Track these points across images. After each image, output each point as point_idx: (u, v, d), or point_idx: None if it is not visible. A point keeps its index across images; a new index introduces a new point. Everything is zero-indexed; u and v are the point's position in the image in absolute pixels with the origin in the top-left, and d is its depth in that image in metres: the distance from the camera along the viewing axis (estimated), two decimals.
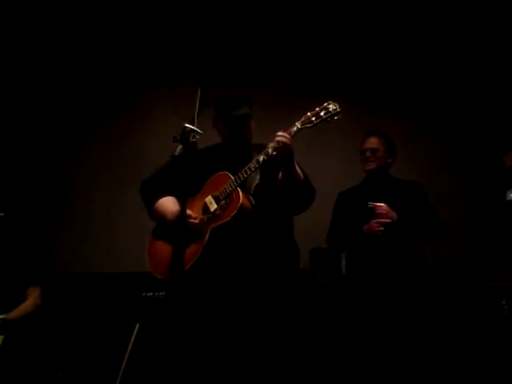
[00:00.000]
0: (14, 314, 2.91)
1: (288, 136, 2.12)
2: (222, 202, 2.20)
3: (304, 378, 3.09)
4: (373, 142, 2.96)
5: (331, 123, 2.13)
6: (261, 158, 2.16)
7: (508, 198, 2.87)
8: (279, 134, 2.12)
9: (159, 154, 2.55)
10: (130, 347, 2.68)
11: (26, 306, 2.99)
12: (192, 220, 2.20)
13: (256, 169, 2.18)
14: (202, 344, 2.19)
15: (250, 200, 2.22)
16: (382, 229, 2.74)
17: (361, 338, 2.75)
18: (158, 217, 2.32)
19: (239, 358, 2.17)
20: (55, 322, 3.44)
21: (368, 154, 2.93)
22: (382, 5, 4.23)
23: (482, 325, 3.16)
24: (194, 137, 1.94)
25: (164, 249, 2.27)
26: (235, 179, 2.20)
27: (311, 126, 2.14)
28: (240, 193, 2.17)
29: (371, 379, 2.66)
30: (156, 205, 2.34)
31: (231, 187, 2.19)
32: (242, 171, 2.20)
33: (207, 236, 2.19)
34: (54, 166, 4.18)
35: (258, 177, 2.30)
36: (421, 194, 2.94)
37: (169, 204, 2.30)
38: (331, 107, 2.13)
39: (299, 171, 2.25)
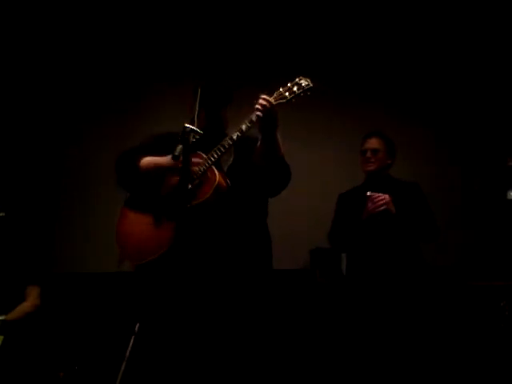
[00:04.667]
0: (14, 314, 2.91)
1: (272, 100, 2.05)
2: (197, 182, 2.12)
3: (304, 378, 3.09)
4: (373, 142, 2.95)
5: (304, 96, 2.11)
6: (243, 127, 2.09)
7: (509, 197, 2.87)
8: (263, 96, 2.06)
9: (156, 133, 2.55)
10: (130, 347, 2.68)
11: (26, 306, 2.99)
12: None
13: (233, 143, 2.11)
14: (199, 343, 2.18)
15: (225, 180, 2.15)
16: (381, 208, 2.72)
17: (361, 339, 2.75)
18: (149, 167, 2.22)
19: (222, 354, 2.13)
20: (55, 322, 3.44)
21: (369, 154, 2.93)
22: (383, 5, 4.22)
23: (482, 325, 3.16)
24: (194, 137, 1.94)
25: (145, 228, 2.18)
26: (209, 157, 2.13)
27: (285, 102, 2.09)
28: (216, 171, 2.11)
29: (371, 379, 2.66)
30: (142, 161, 2.23)
31: (206, 166, 2.12)
32: (216, 149, 2.13)
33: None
34: (53, 166, 4.18)
35: (232, 158, 2.23)
36: (419, 194, 2.94)
37: (156, 157, 2.21)
38: (303, 82, 2.13)
39: (280, 143, 2.17)
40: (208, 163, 2.12)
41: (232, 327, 2.17)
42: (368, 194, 2.77)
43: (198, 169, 2.12)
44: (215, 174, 2.11)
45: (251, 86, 4.25)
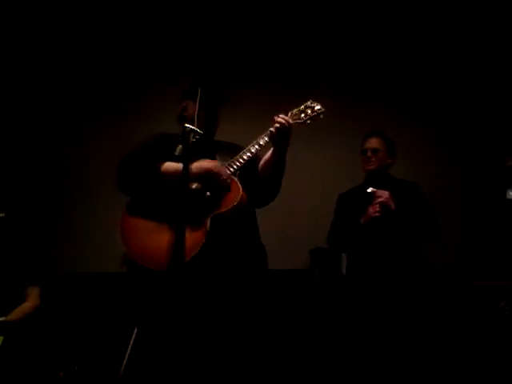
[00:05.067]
0: (14, 315, 2.91)
1: (290, 120, 2.20)
2: (225, 192, 2.14)
3: (304, 378, 3.09)
4: (374, 142, 2.97)
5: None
6: (261, 141, 2.21)
7: (508, 197, 2.87)
8: (281, 116, 2.19)
9: (155, 133, 2.55)
10: (130, 347, 2.68)
11: (25, 307, 2.98)
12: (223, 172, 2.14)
13: (252, 156, 2.20)
14: (200, 343, 2.18)
15: (245, 194, 2.17)
16: (379, 213, 2.73)
17: (361, 339, 2.75)
18: (169, 173, 2.14)
19: (238, 358, 2.16)
20: (55, 322, 3.44)
21: (369, 154, 2.94)
22: (383, 6, 4.23)
23: (482, 325, 3.16)
24: (194, 137, 1.94)
25: (159, 232, 2.10)
26: (228, 168, 2.17)
27: (300, 123, 2.26)
28: (239, 184, 2.14)
29: (372, 379, 2.66)
30: (164, 166, 2.16)
31: (228, 176, 2.16)
32: (235, 160, 2.19)
33: (208, 223, 2.08)
34: (53, 166, 4.18)
35: (238, 171, 2.26)
36: (419, 193, 2.94)
37: (175, 164, 2.12)
38: (316, 106, 2.29)
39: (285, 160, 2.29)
40: (231, 172, 2.17)
41: (232, 328, 2.17)
42: (369, 190, 2.78)
43: (224, 178, 2.13)
44: (239, 186, 2.14)
45: (251, 86, 4.28)
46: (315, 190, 4.13)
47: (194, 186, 2.16)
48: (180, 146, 1.95)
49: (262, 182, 2.30)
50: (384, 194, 2.74)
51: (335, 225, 3.00)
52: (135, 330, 2.57)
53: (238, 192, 2.12)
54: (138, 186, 2.22)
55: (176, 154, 1.94)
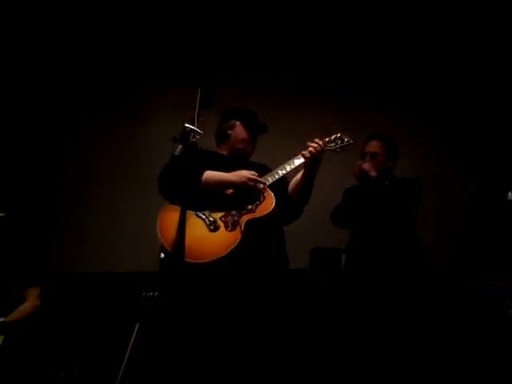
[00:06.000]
0: (14, 316, 2.90)
1: (321, 144, 2.38)
2: (261, 199, 2.32)
3: (304, 378, 3.09)
4: (373, 145, 2.95)
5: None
6: (296, 162, 2.40)
7: (509, 198, 2.86)
8: (316, 140, 2.38)
9: (159, 153, 2.57)
10: (130, 347, 2.68)
11: (26, 307, 2.98)
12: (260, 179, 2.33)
13: (288, 171, 2.39)
14: (200, 342, 2.18)
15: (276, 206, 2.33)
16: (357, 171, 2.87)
17: (361, 338, 2.75)
18: (214, 182, 2.34)
19: (243, 358, 2.17)
20: (55, 322, 3.44)
21: (367, 158, 2.93)
22: (383, 6, 4.23)
23: (482, 325, 3.16)
24: (194, 137, 1.94)
25: (197, 229, 2.21)
26: (266, 179, 2.36)
27: (328, 151, 2.48)
28: (272, 195, 2.32)
29: (372, 379, 2.66)
30: (205, 175, 2.34)
31: (264, 186, 2.34)
32: (273, 173, 2.39)
33: (243, 226, 2.21)
34: (53, 166, 4.18)
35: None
36: (417, 185, 2.93)
37: (220, 172, 2.37)
38: (345, 139, 2.51)
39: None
40: (266, 184, 2.35)
41: (233, 328, 2.18)
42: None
43: (261, 186, 2.34)
44: (272, 198, 2.32)
45: (251, 86, 4.28)
46: (315, 189, 4.12)
47: (229, 192, 2.36)
48: (180, 146, 1.95)
49: (291, 202, 2.46)
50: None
51: (340, 204, 3.05)
52: (136, 326, 2.57)
53: (271, 201, 2.30)
54: (178, 194, 2.27)
55: (176, 153, 1.95)
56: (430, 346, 2.78)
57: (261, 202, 2.31)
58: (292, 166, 2.40)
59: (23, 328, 2.88)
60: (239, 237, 2.17)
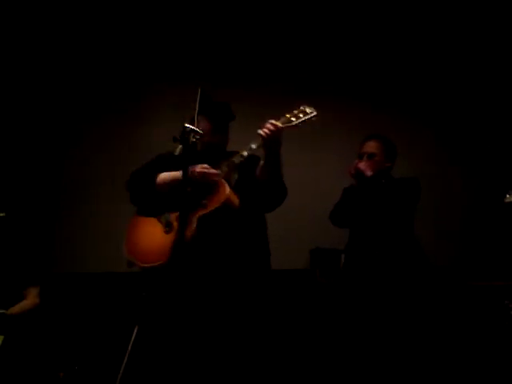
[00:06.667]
0: (13, 309, 2.92)
1: (280, 124, 2.20)
2: (210, 193, 2.23)
3: (304, 378, 3.09)
4: (371, 146, 2.93)
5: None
6: (253, 146, 2.23)
7: (507, 200, 2.86)
8: (270, 121, 2.21)
9: (159, 153, 2.58)
10: (130, 347, 2.68)
11: (25, 304, 3.00)
12: (210, 171, 2.24)
13: (244, 160, 2.24)
14: (199, 343, 2.19)
15: (236, 197, 2.25)
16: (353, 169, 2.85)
17: (361, 339, 2.74)
18: (166, 181, 2.33)
19: (225, 357, 2.17)
20: (55, 322, 3.44)
21: (365, 159, 2.92)
22: (383, 6, 4.22)
23: (482, 325, 3.16)
24: (194, 137, 1.95)
25: (154, 232, 2.27)
26: (218, 169, 2.25)
27: (290, 127, 2.24)
28: (227, 187, 2.21)
29: (372, 379, 2.66)
30: (160, 177, 2.35)
31: (217, 179, 2.24)
32: (229, 162, 2.26)
33: (195, 223, 2.18)
34: (53, 166, 4.18)
35: (237, 174, 2.35)
36: (415, 184, 2.93)
37: (173, 172, 2.32)
38: (308, 110, 2.27)
39: (281, 163, 2.32)
40: (220, 175, 2.24)
41: (232, 328, 2.17)
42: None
43: (213, 179, 2.23)
44: (225, 188, 2.21)
45: (251, 86, 4.28)
46: (315, 190, 4.13)
47: (189, 189, 2.22)
48: (180, 146, 1.95)
49: (260, 186, 2.34)
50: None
51: (339, 203, 3.03)
52: (135, 329, 2.57)
53: (224, 192, 2.19)
54: (139, 198, 2.45)
55: (176, 154, 1.95)
56: (430, 345, 2.78)
57: (214, 195, 2.22)
58: (249, 152, 2.27)
59: (23, 327, 2.89)
60: (190, 237, 2.13)
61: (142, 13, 4.22)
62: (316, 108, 2.26)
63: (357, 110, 4.32)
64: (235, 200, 2.23)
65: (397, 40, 4.39)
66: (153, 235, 2.28)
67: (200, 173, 2.21)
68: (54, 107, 4.22)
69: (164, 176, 2.34)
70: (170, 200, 2.27)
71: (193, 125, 1.98)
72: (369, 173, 2.79)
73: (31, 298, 3.03)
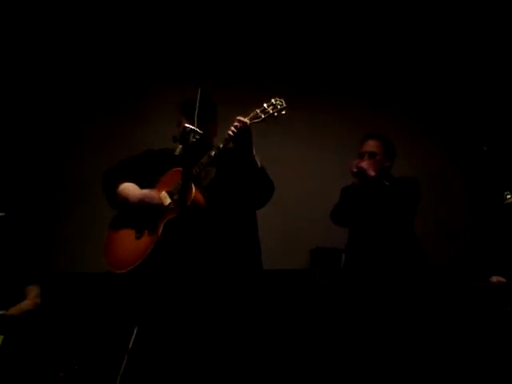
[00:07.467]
0: (13, 310, 2.92)
1: (247, 121, 2.18)
2: (175, 197, 2.24)
3: (304, 378, 3.09)
4: (371, 145, 2.94)
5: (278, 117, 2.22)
6: (221, 145, 2.21)
7: (506, 201, 2.86)
8: (237, 118, 2.20)
9: (149, 148, 2.58)
10: (130, 347, 2.68)
11: (26, 304, 2.99)
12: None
13: (212, 160, 2.22)
14: (198, 343, 2.19)
15: (203, 194, 2.23)
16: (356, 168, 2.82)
17: (361, 339, 2.75)
18: (121, 199, 2.41)
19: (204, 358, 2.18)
20: (55, 322, 3.44)
21: (366, 158, 2.92)
22: (383, 6, 4.22)
23: (482, 325, 3.16)
24: (194, 137, 1.95)
25: (126, 240, 2.35)
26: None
27: (259, 121, 2.21)
28: (193, 187, 2.18)
29: (372, 379, 2.67)
30: (119, 189, 2.43)
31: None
32: (196, 166, 2.24)
33: (161, 229, 2.20)
34: (53, 166, 4.18)
35: (215, 171, 2.34)
36: (415, 184, 2.93)
37: (130, 188, 2.40)
38: (278, 103, 2.22)
39: (256, 159, 2.30)
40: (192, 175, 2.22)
41: (232, 328, 2.17)
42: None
43: (177, 183, 2.19)
44: (192, 189, 2.17)
45: (251, 86, 4.28)
46: (315, 190, 4.13)
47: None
48: (180, 146, 1.96)
49: (240, 183, 2.32)
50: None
51: (339, 203, 3.02)
52: (135, 330, 2.58)
53: (190, 194, 2.16)
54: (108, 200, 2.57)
55: (176, 154, 1.95)
56: (430, 345, 2.78)
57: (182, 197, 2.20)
58: (217, 151, 2.23)
59: (23, 327, 2.89)
60: (154, 241, 2.18)
61: (142, 13, 4.22)
62: (286, 101, 2.22)
63: (357, 109, 4.32)
64: (200, 199, 2.21)
65: (397, 40, 4.39)
66: (125, 243, 2.36)
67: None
68: (53, 107, 4.22)
69: (125, 188, 2.41)
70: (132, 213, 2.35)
71: (193, 125, 1.99)
72: (372, 173, 2.79)
73: (31, 298, 3.02)
